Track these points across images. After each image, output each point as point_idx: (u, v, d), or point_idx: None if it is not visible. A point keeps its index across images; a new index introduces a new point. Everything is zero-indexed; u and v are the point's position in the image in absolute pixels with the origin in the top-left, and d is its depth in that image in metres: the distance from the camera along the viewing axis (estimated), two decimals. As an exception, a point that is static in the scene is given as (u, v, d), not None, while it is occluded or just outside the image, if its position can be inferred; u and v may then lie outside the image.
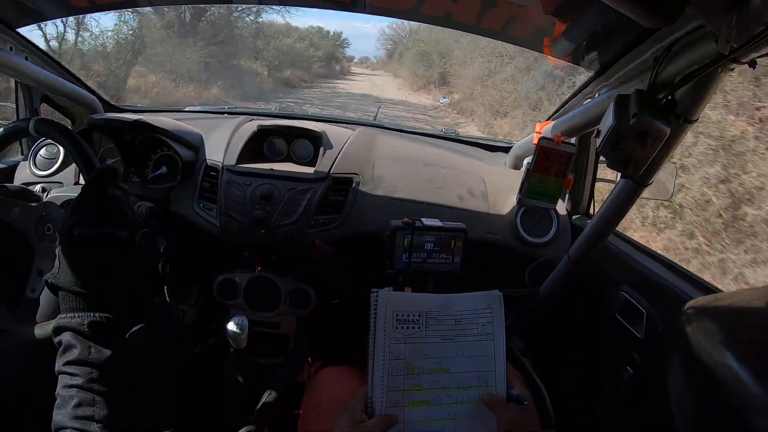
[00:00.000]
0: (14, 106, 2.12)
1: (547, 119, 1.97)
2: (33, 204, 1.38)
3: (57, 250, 0.92)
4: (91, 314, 0.88)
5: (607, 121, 1.20)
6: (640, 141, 1.16)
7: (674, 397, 0.86)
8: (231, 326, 1.70)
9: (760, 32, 0.87)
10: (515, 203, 1.88)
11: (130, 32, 12.90)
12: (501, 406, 0.99)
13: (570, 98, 1.89)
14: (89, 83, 2.29)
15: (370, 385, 0.99)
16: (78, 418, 0.81)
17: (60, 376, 0.86)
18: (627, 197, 1.40)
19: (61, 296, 0.90)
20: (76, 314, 0.88)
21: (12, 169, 2.04)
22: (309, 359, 1.85)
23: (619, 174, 1.57)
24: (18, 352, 1.47)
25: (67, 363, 0.85)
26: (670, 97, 1.17)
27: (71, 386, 0.84)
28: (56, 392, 0.84)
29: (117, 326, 0.90)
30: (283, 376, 1.77)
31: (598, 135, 1.26)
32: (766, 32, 0.86)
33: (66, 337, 0.87)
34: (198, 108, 2.66)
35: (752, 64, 0.99)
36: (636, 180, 1.34)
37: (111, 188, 0.95)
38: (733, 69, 1.05)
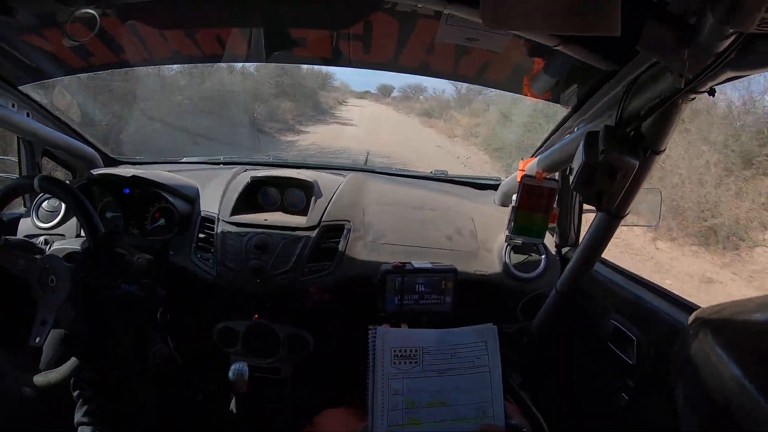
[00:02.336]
0: (16, 160, 2.17)
1: (531, 156, 2.02)
2: (37, 256, 1.42)
3: (73, 308, 0.98)
4: (108, 366, 0.93)
5: (578, 158, 1.25)
6: (610, 175, 1.20)
7: (681, 407, 0.86)
8: (231, 374, 1.73)
9: (711, 63, 0.92)
10: (504, 240, 1.94)
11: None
12: None
13: (551, 134, 1.94)
14: (89, 137, 2.36)
15: (370, 421, 1.00)
16: None
17: (79, 428, 0.90)
18: (605, 229, 1.45)
19: (77, 350, 0.96)
20: (94, 365, 0.93)
21: (15, 221, 2.08)
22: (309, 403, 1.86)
23: (599, 206, 1.62)
24: (20, 400, 1.51)
25: (86, 414, 0.90)
26: (637, 131, 1.21)
27: None
28: None
29: (133, 374, 0.96)
30: (284, 421, 1.79)
31: (571, 172, 1.30)
32: (717, 63, 0.91)
33: (84, 391, 0.92)
34: (194, 159, 2.71)
35: (711, 92, 1.04)
36: (612, 212, 1.39)
37: (118, 248, 1.04)
38: (693, 98, 1.09)
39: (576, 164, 1.26)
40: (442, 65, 1.71)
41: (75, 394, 0.93)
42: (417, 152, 13.52)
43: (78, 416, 0.92)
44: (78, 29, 1.50)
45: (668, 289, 1.52)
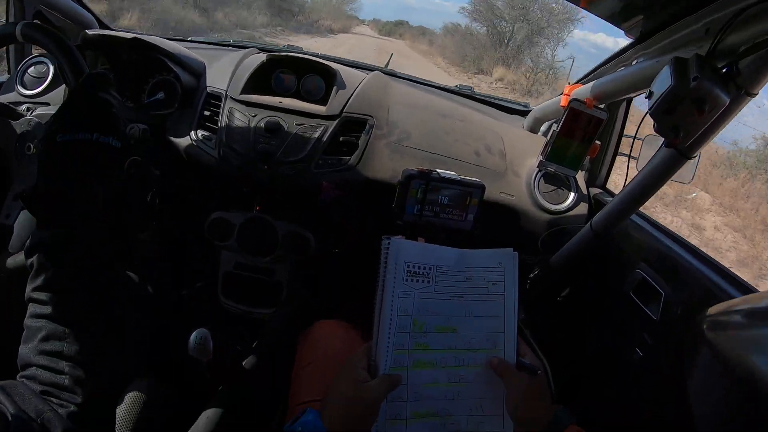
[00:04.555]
0: (4, 20, 1.96)
1: (576, 82, 1.87)
2: (15, 122, 1.25)
3: (37, 158, 0.81)
4: (69, 231, 0.77)
5: (663, 83, 1.11)
6: (698, 107, 1.07)
7: (699, 394, 0.81)
8: (192, 343, 1.57)
9: None
10: (534, 166, 1.81)
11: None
12: (510, 372, 0.93)
13: (603, 63, 1.78)
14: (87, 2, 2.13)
15: (375, 341, 0.91)
16: (45, 353, 0.72)
17: (29, 305, 0.75)
18: (668, 168, 1.31)
19: (36, 210, 0.80)
20: (52, 231, 0.77)
21: None
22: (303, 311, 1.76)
23: (640, 152, 1.50)
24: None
25: (37, 288, 0.75)
26: (733, 67, 1.08)
27: (39, 316, 0.74)
28: (24, 322, 0.75)
29: (97, 247, 0.79)
30: (274, 328, 1.69)
31: (649, 96, 1.17)
32: None
33: (38, 258, 0.75)
34: (202, 39, 2.50)
35: None
36: (681, 150, 1.26)
37: (102, 93, 0.85)
38: None
39: (658, 89, 1.12)
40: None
41: (28, 262, 0.77)
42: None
43: (28, 289, 0.76)
44: None
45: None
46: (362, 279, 1.06)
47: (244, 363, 1.50)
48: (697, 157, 1.57)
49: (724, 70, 1.10)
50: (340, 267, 1.91)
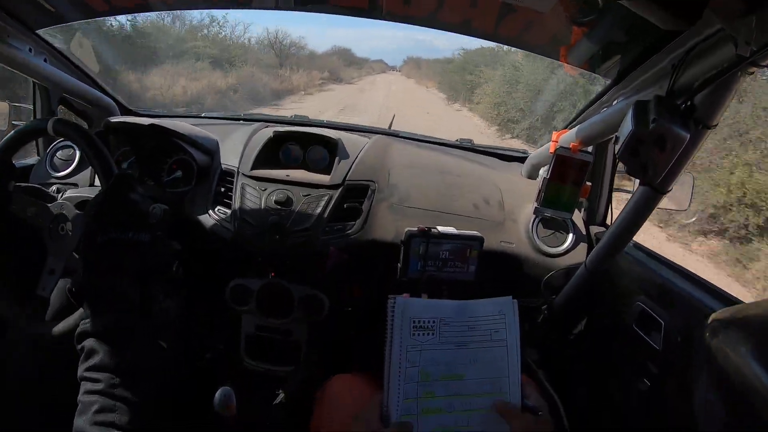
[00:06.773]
0: (32, 107, 2.13)
1: (564, 128, 1.96)
2: (49, 204, 1.39)
3: (80, 257, 0.94)
4: (115, 318, 0.89)
5: (626, 127, 1.19)
6: (659, 146, 1.15)
7: (701, 408, 0.84)
8: (217, 401, 1.57)
9: None
10: (531, 212, 1.88)
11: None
12: (515, 414, 0.98)
13: (586, 107, 1.88)
14: (106, 86, 2.32)
15: (386, 392, 0.98)
16: (98, 424, 0.82)
17: (82, 383, 0.87)
18: (645, 205, 1.38)
19: (83, 303, 0.92)
20: (101, 318, 0.89)
21: (27, 169, 2.04)
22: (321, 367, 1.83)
23: (637, 183, 1.56)
24: (25, 350, 1.48)
25: (89, 369, 0.86)
26: (689, 103, 1.15)
27: (92, 392, 0.85)
28: (78, 398, 0.85)
29: (139, 330, 0.91)
30: (295, 385, 1.76)
31: (616, 141, 1.25)
32: None
33: (89, 342, 0.88)
34: (214, 114, 2.67)
35: None
36: (655, 187, 1.33)
37: (131, 193, 0.99)
38: (752, 72, 1.03)
39: (622, 133, 1.20)
40: (484, 24, 1.59)
41: (79, 347, 0.89)
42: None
43: (81, 370, 0.88)
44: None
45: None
46: (375, 334, 1.12)
47: (265, 419, 1.57)
48: (688, 184, 1.64)
49: (682, 107, 1.16)
50: (354, 324, 1.98)
